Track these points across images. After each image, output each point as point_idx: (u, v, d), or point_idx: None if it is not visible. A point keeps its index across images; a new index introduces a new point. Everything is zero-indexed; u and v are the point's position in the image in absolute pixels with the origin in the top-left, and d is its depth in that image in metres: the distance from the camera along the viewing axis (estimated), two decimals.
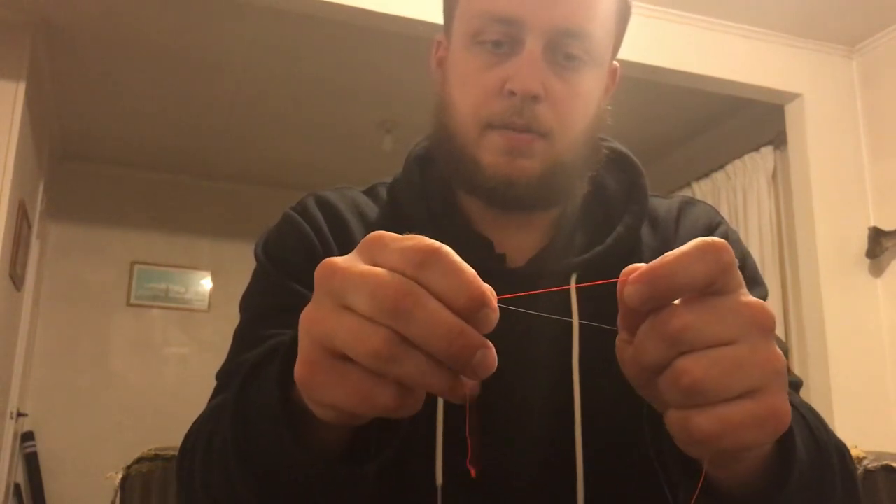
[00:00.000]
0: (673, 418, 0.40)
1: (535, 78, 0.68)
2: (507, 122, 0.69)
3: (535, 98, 0.69)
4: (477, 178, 0.72)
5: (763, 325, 0.40)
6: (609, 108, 0.79)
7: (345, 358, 0.39)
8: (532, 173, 0.70)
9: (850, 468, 0.59)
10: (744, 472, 0.48)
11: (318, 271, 0.40)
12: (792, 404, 0.56)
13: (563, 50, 0.70)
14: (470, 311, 0.37)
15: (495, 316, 0.38)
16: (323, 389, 0.39)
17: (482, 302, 0.37)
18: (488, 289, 0.38)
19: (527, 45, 0.69)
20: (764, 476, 0.49)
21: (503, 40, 0.70)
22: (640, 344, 0.40)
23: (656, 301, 0.40)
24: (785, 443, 0.49)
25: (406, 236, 0.39)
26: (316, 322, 0.40)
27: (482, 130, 0.71)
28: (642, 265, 0.41)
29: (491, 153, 0.70)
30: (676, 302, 0.40)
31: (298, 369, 0.40)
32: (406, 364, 0.38)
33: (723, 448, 0.40)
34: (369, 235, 0.41)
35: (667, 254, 0.40)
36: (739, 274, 0.41)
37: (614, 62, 0.80)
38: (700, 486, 0.45)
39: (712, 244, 0.39)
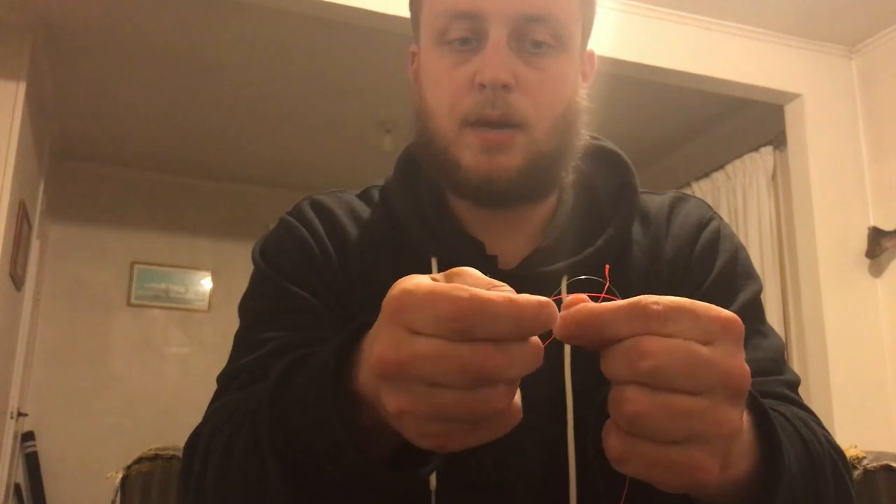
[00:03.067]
0: (606, 426, 0.42)
1: (502, 67, 0.68)
2: (482, 115, 0.69)
3: (505, 87, 0.68)
4: (459, 179, 0.72)
5: (734, 387, 0.40)
6: (595, 99, 0.79)
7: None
8: (512, 168, 0.70)
9: (845, 479, 0.59)
10: (730, 486, 0.48)
11: (379, 366, 0.40)
12: (785, 417, 0.56)
13: (528, 37, 0.70)
14: (531, 330, 0.39)
15: (552, 311, 0.39)
16: (463, 442, 0.41)
17: (537, 320, 0.38)
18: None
19: (491, 37, 0.69)
20: (753, 490, 0.49)
21: (469, 36, 0.70)
22: (605, 356, 0.41)
23: (580, 342, 0.41)
24: (773, 465, 0.49)
25: (434, 292, 0.39)
26: (416, 409, 0.40)
27: (459, 129, 0.71)
28: (583, 298, 0.41)
29: (470, 153, 0.70)
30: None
31: (432, 443, 0.41)
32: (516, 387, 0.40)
33: (625, 473, 0.41)
34: (389, 305, 0.40)
35: (604, 304, 0.40)
36: (727, 330, 0.40)
37: (589, 48, 0.79)
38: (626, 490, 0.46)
39: (649, 305, 0.39)
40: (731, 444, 0.41)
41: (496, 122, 0.69)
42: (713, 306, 0.41)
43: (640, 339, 0.39)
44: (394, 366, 0.39)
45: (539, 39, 0.70)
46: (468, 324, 0.38)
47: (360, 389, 0.46)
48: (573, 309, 0.40)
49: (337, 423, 0.46)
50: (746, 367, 0.41)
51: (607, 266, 0.47)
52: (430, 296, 0.38)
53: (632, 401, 0.39)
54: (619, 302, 0.40)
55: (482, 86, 0.68)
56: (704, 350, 0.39)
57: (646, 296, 0.40)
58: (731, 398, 0.40)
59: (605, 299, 0.41)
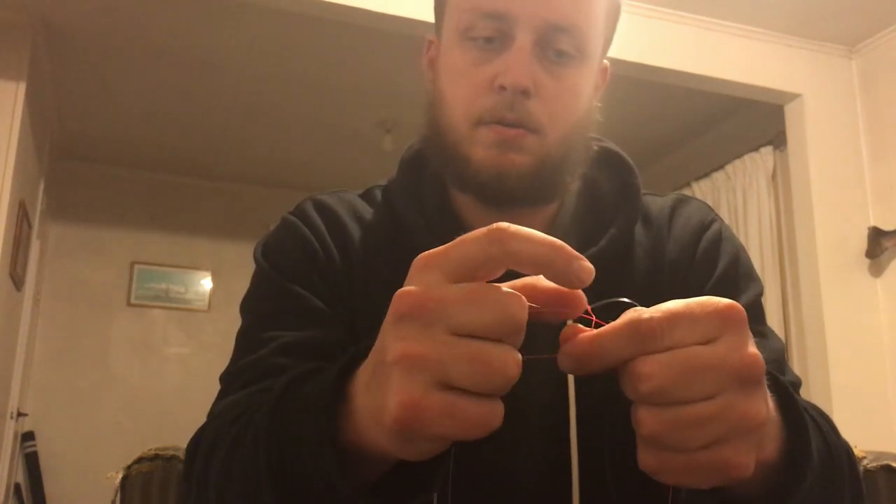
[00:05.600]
0: (637, 441, 0.41)
1: (525, 72, 0.68)
2: (498, 117, 0.69)
3: (525, 93, 0.69)
4: (468, 174, 0.72)
5: (747, 379, 0.39)
6: (599, 105, 0.79)
7: (450, 387, 0.37)
8: (522, 167, 0.70)
9: (857, 470, 0.59)
10: (758, 470, 0.48)
11: (402, 302, 0.38)
12: (804, 407, 0.56)
13: (553, 46, 0.70)
14: (565, 266, 0.38)
15: (587, 265, 0.38)
16: (432, 425, 0.37)
17: (570, 255, 0.38)
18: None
19: (517, 41, 0.69)
20: (776, 479, 0.49)
21: (494, 36, 0.71)
22: (621, 380, 0.41)
23: (586, 371, 0.40)
24: (800, 447, 0.49)
25: (456, 242, 0.39)
26: (421, 357, 0.37)
27: (473, 127, 0.71)
28: (581, 328, 0.41)
29: (482, 148, 0.70)
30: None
31: (400, 410, 0.37)
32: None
33: (664, 482, 0.41)
34: (420, 259, 0.40)
35: (599, 330, 0.40)
36: (703, 325, 0.39)
37: (604, 61, 0.80)
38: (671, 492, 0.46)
39: (642, 323, 0.38)
40: (761, 434, 0.40)
41: (511, 123, 0.70)
42: (709, 300, 0.40)
43: (637, 362, 0.38)
44: (421, 299, 0.38)
45: (562, 49, 0.71)
46: (507, 235, 0.38)
47: (354, 408, 0.45)
48: (570, 343, 0.40)
49: (328, 449, 0.45)
50: (757, 352, 0.40)
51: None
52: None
53: (644, 422, 0.39)
54: (614, 325, 0.39)
55: (502, 88, 0.69)
56: (707, 352, 0.39)
57: (638, 310, 0.39)
58: (747, 389, 0.39)
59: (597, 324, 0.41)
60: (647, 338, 0.38)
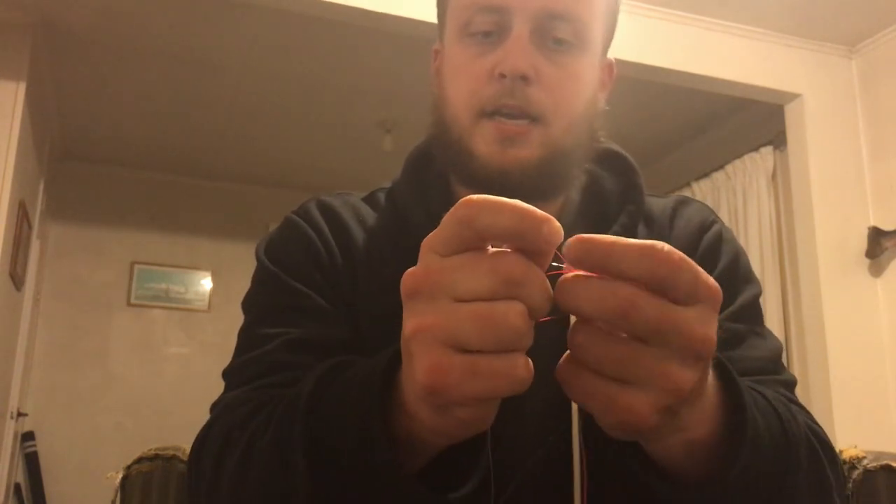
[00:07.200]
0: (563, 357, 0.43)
1: (523, 58, 0.69)
2: (499, 105, 0.70)
3: (524, 79, 0.69)
4: (471, 169, 0.72)
5: (691, 350, 0.40)
6: (605, 103, 0.79)
7: (465, 350, 0.39)
8: (527, 161, 0.70)
9: (822, 464, 0.58)
10: (688, 450, 0.49)
11: (407, 282, 0.41)
12: (765, 396, 0.57)
13: (551, 34, 0.71)
14: (535, 231, 0.40)
15: (556, 227, 0.40)
16: (459, 385, 0.39)
17: (539, 223, 0.39)
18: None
19: (514, 30, 0.70)
20: (710, 459, 0.50)
21: (492, 30, 0.71)
22: (591, 284, 0.41)
23: (583, 265, 0.41)
24: (736, 429, 0.50)
25: (442, 222, 0.41)
26: (431, 326, 0.40)
27: (476, 119, 0.71)
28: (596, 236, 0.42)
29: (484, 143, 0.71)
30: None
31: (426, 378, 0.40)
32: (531, 332, 0.40)
33: (569, 396, 0.43)
34: (423, 244, 0.42)
35: (620, 238, 0.40)
36: (696, 287, 0.40)
37: (609, 58, 0.80)
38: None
39: (659, 249, 0.39)
40: (677, 402, 0.41)
41: (513, 112, 0.70)
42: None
43: (637, 293, 0.39)
44: (423, 276, 0.40)
45: (561, 37, 0.71)
46: (474, 211, 0.39)
47: (401, 393, 0.46)
48: (591, 236, 0.41)
49: (376, 419, 0.46)
50: (713, 335, 0.41)
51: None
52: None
53: (584, 333, 0.41)
54: (634, 241, 0.41)
55: (502, 76, 0.69)
56: (679, 311, 0.40)
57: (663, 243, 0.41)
58: (686, 359, 0.41)
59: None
60: (662, 263, 0.39)
